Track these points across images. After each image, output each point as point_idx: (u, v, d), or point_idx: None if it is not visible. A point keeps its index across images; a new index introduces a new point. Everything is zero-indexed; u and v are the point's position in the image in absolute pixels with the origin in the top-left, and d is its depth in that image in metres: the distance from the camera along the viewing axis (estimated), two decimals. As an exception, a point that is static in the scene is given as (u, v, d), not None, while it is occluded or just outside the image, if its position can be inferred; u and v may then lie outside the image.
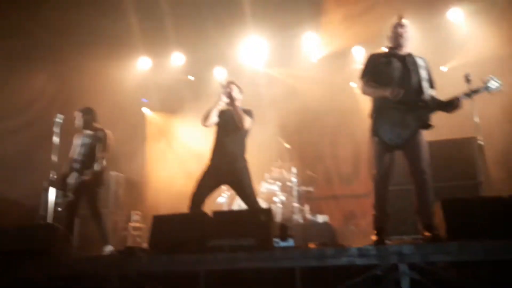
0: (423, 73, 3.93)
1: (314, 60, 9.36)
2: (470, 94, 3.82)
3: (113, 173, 7.62)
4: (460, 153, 5.36)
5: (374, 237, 3.87)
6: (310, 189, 8.22)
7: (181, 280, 3.62)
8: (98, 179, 5.57)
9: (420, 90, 3.88)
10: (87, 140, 5.66)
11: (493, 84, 3.82)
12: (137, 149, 9.38)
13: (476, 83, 3.91)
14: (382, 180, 3.88)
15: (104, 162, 5.55)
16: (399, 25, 4.04)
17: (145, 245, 7.07)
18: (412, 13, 8.28)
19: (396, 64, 3.93)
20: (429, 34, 8.35)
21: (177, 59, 9.67)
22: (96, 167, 5.42)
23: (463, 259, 3.05)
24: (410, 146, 3.84)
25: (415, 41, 8.27)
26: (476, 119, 4.19)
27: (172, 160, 9.55)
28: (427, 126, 3.83)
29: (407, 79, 3.88)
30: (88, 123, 5.78)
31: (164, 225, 4.05)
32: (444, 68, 8.35)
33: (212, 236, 3.72)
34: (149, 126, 10.28)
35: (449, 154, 5.36)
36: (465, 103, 4.26)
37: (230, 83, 5.03)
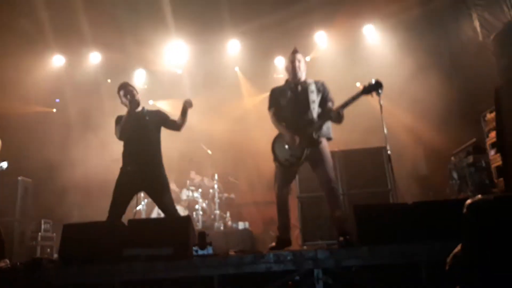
0: (313, 96, 4.29)
1: (237, 68, 9.48)
2: (351, 100, 4.10)
3: (20, 178, 7.04)
4: (371, 162, 5.69)
5: (273, 244, 4.18)
6: (232, 196, 8.25)
7: (94, 293, 3.44)
8: None
9: (308, 112, 4.23)
10: None
11: (377, 86, 4.09)
12: (49, 152, 8.78)
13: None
14: (281, 198, 4.28)
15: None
16: (294, 58, 4.43)
17: (55, 256, 6.66)
18: (329, 27, 8.82)
19: (289, 94, 4.37)
20: (346, 48, 8.83)
21: (93, 58, 9.28)
22: None
23: (374, 263, 3.23)
24: (313, 160, 4.19)
25: (332, 55, 8.84)
26: (385, 130, 4.46)
27: (88, 163, 9.07)
28: (315, 142, 4.16)
29: (297, 106, 4.28)
30: None
31: (76, 235, 3.82)
32: (358, 84, 8.87)
33: (127, 246, 3.59)
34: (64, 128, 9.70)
35: (361, 162, 5.67)
36: (377, 115, 4.55)
37: (125, 85, 4.80)
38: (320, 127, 4.19)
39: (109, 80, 9.66)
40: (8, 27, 7.73)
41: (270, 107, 4.46)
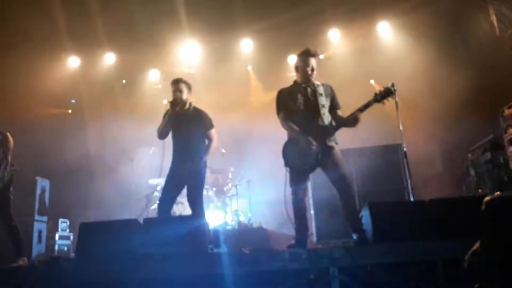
0: (322, 100, 4.22)
1: (249, 67, 9.50)
2: (363, 108, 4.05)
3: (38, 178, 7.15)
4: (387, 159, 5.63)
5: (292, 242, 4.10)
6: (246, 194, 8.24)
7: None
8: (6, 183, 5.02)
9: (319, 117, 4.16)
10: None
11: (387, 93, 4.05)
12: (66, 152, 8.89)
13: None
14: (298, 200, 4.19)
15: (11, 168, 5.08)
16: (309, 62, 4.28)
17: (73, 255, 6.74)
18: (343, 25, 8.76)
19: (300, 99, 4.25)
20: (359, 46, 8.77)
21: (108, 59, 9.38)
22: (5, 175, 4.92)
23: (389, 261, 3.20)
24: (325, 163, 4.10)
25: (346, 53, 8.78)
26: (401, 127, 4.42)
27: (104, 163, 9.17)
28: (329, 148, 4.09)
29: (308, 111, 4.20)
30: None
31: (93, 233, 3.88)
32: (372, 81, 8.82)
33: (143, 244, 3.62)
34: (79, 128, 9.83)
35: (377, 160, 5.61)
36: (393, 112, 4.52)
37: (177, 81, 4.85)
38: (332, 134, 4.15)
39: (124, 81, 9.78)
40: (25, 30, 7.85)
41: (279, 111, 4.34)
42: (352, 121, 4.06)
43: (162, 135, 4.82)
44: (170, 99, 4.79)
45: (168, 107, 4.76)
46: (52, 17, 7.73)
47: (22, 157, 5.33)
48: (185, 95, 4.81)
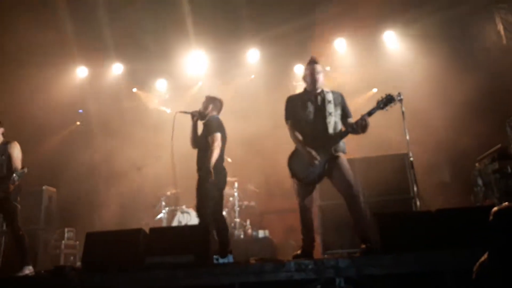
0: (331, 108, 4.20)
1: (253, 76, 9.54)
2: (367, 116, 4.04)
3: (44, 188, 7.19)
4: (393, 169, 5.58)
5: (298, 252, 4.15)
6: (252, 204, 8.23)
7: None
8: (13, 192, 5.01)
9: (326, 126, 4.15)
10: None
11: (389, 101, 4.06)
12: (72, 162, 8.95)
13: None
14: (305, 210, 4.22)
15: (20, 173, 5.09)
16: (314, 70, 4.31)
17: (79, 264, 6.75)
18: (349, 34, 8.78)
19: (310, 107, 4.24)
20: (364, 55, 8.77)
21: (116, 69, 9.46)
22: (15, 179, 4.88)
23: (397, 271, 3.17)
24: (332, 172, 4.07)
25: (352, 63, 8.79)
26: (407, 136, 4.41)
27: (109, 173, 9.19)
28: (334, 158, 4.07)
29: (318, 120, 4.19)
30: None
31: (99, 243, 3.89)
32: (375, 89, 8.82)
33: (149, 254, 3.62)
34: (86, 138, 9.89)
35: (383, 169, 5.56)
36: (399, 121, 4.51)
37: (206, 97, 5.23)
38: (338, 143, 4.13)
39: (134, 89, 9.86)
40: (33, 40, 7.94)
41: (287, 118, 4.36)
42: (361, 127, 4.02)
43: (191, 143, 5.14)
44: None
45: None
46: (60, 27, 7.83)
47: (29, 166, 5.34)
48: (203, 108, 5.15)
